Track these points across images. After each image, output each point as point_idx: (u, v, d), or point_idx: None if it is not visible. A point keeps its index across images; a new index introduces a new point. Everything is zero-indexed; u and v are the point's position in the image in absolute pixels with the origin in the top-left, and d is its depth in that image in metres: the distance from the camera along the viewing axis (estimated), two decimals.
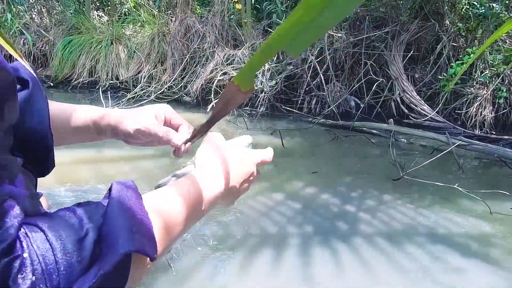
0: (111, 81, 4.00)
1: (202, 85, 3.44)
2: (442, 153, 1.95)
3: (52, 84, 4.25)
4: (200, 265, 1.09)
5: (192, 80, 3.61)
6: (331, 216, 1.42)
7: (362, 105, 3.07)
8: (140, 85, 3.69)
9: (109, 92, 3.55)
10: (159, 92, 3.59)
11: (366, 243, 1.25)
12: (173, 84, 3.69)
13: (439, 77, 3.07)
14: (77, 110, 0.67)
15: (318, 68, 3.11)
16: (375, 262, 1.15)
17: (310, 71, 3.15)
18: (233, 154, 0.55)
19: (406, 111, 3.08)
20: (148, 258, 0.37)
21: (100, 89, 3.56)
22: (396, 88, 3.13)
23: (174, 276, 1.04)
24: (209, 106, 3.11)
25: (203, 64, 3.61)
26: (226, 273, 1.07)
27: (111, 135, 0.66)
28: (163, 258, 0.56)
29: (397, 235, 1.31)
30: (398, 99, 3.12)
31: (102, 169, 1.74)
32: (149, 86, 3.70)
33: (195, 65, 3.71)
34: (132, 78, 3.94)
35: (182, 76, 3.73)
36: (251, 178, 0.56)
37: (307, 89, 3.23)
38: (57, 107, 0.66)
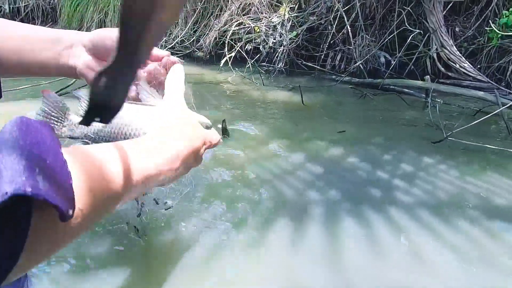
0: None
1: (215, 38, 3.16)
2: (491, 114, 1.65)
3: None
4: (200, 237, 0.89)
5: (204, 34, 3.32)
6: (360, 182, 1.19)
7: (393, 62, 2.74)
8: None
9: None
10: (169, 47, 3.33)
11: (405, 215, 1.02)
12: (185, 38, 3.42)
13: (486, 28, 2.67)
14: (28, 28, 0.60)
15: (345, 18, 2.76)
16: (418, 238, 0.93)
17: (336, 22, 2.80)
18: (187, 120, 0.49)
19: (443, 69, 2.73)
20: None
21: None
22: (434, 43, 2.76)
23: (161, 250, 0.85)
24: (222, 61, 2.85)
25: (217, 15, 3.30)
26: (232, 249, 0.86)
27: (67, 58, 0.58)
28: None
29: (442, 206, 1.07)
30: (435, 55, 2.77)
31: None
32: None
33: (208, 16, 3.41)
34: None
35: (194, 30, 3.44)
36: (209, 139, 0.50)
37: (331, 42, 2.90)
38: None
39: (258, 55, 2.93)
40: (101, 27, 4.05)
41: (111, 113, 0.35)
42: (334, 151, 1.42)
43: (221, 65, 2.84)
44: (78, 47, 0.57)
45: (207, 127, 0.52)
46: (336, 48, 2.89)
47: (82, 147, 0.36)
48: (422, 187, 1.16)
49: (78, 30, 4.34)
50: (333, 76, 2.73)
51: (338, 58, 2.91)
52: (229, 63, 2.78)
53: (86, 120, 0.34)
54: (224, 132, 1.48)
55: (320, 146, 1.47)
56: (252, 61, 2.81)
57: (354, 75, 2.73)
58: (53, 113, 0.54)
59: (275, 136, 1.52)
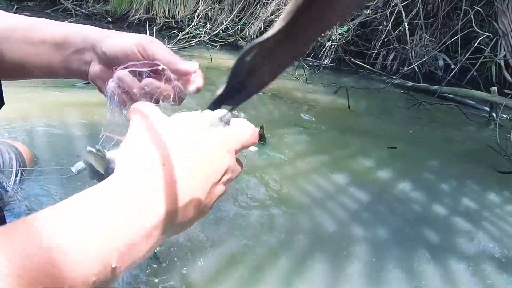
0: (166, 20, 3.74)
1: (260, 28, 3.02)
2: None
3: (110, 20, 4.07)
4: (219, 274, 0.79)
5: (249, 22, 3.19)
6: (412, 218, 1.04)
7: (453, 66, 2.48)
8: (193, 23, 3.35)
9: (164, 31, 3.28)
10: (213, 34, 3.23)
11: (465, 268, 0.86)
12: (229, 26, 3.30)
13: None
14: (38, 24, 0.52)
15: (403, 14, 2.51)
16: None
17: (393, 18, 2.56)
18: (186, 143, 0.33)
19: (510, 78, 2.43)
20: None
21: (155, 28, 3.29)
22: (502, 48, 2.46)
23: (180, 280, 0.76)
24: None
25: (264, 3, 3.15)
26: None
27: (78, 65, 0.51)
28: None
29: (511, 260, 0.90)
30: (502, 62, 2.47)
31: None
32: (203, 27, 3.35)
33: (254, 4, 3.27)
34: (188, 17, 3.64)
35: (240, 17, 3.32)
36: (228, 176, 0.37)
37: (385, 40, 2.67)
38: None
39: None
40: (148, 11, 4.04)
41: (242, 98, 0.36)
42: (383, 173, 1.27)
43: None
44: (90, 53, 0.51)
45: (226, 122, 0.38)
46: (390, 47, 2.66)
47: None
48: (487, 232, 0.99)
49: (127, 13, 4.31)
50: (383, 77, 2.52)
51: (391, 57, 2.68)
52: None
53: (218, 103, 0.36)
54: (261, 138, 1.37)
55: (367, 164, 1.32)
56: None
57: (407, 77, 2.50)
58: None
59: (316, 147, 1.39)
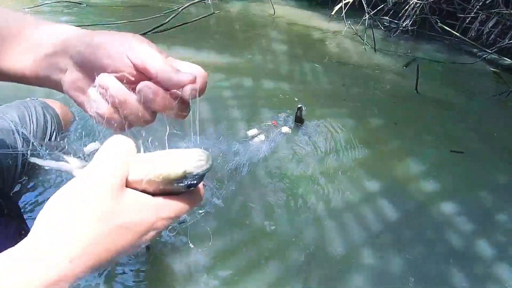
0: None
1: None
2: None
3: None
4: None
5: None
6: (446, 252, 0.86)
7: None
8: None
9: None
10: None
11: None
12: None
13: None
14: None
15: None
16: None
17: None
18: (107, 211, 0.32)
19: None
20: None
21: None
22: None
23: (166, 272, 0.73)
24: (336, 8, 2.38)
25: None
26: None
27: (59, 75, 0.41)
28: None
29: None
30: None
31: None
32: None
33: None
34: None
35: None
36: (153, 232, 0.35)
37: (486, 1, 2.16)
38: None
39: (383, 5, 2.37)
40: None
41: None
42: (432, 184, 1.06)
43: (333, 12, 2.39)
44: (64, 58, 0.41)
45: (190, 184, 0.34)
46: (493, 10, 2.15)
47: None
48: None
49: None
50: (474, 50, 2.09)
51: (491, 24, 2.18)
52: (343, 12, 2.31)
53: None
54: (298, 120, 1.23)
55: (414, 169, 1.11)
56: (372, 12, 2.30)
57: (506, 52, 2.03)
58: None
59: (360, 138, 1.20)
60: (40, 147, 0.85)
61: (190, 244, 0.76)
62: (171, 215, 0.35)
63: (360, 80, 1.63)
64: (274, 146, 1.09)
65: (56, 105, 0.99)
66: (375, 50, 1.97)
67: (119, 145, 0.35)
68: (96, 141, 0.94)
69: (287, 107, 1.30)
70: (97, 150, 0.35)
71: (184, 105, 0.38)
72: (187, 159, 0.33)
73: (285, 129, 1.19)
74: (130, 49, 0.37)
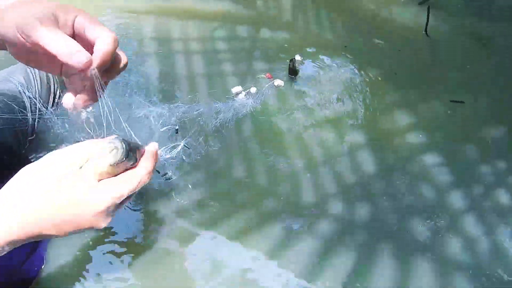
0: None
1: None
2: None
3: None
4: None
5: None
6: (421, 206, 0.91)
7: None
8: None
9: None
10: None
11: None
12: None
13: None
14: None
15: None
16: None
17: None
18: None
19: None
20: None
21: None
22: None
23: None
24: None
25: None
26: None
27: None
28: None
29: None
30: None
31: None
32: None
33: None
34: None
35: None
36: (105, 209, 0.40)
37: None
38: None
39: None
40: None
41: None
42: (421, 139, 1.07)
43: None
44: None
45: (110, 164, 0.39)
46: None
47: None
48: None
49: None
50: None
51: None
52: None
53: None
54: (292, 72, 1.23)
55: (407, 124, 1.11)
56: None
57: None
58: None
59: (353, 90, 1.20)
60: (46, 110, 0.94)
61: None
62: (117, 195, 0.39)
63: (364, 22, 1.55)
64: (262, 100, 1.12)
65: None
66: None
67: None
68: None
69: (285, 58, 1.29)
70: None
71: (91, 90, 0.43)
72: (101, 154, 0.38)
73: (278, 81, 1.21)
74: (25, 17, 0.39)
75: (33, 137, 0.96)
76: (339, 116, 1.12)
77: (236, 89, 1.13)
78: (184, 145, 0.76)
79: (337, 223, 0.86)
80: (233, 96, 1.12)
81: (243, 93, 1.13)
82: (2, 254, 0.38)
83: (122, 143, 0.39)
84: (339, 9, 1.64)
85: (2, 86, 0.88)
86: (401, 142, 1.06)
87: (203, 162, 0.93)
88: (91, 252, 0.77)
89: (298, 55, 1.30)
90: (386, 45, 1.44)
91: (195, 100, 1.08)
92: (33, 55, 0.43)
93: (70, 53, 0.39)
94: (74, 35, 0.42)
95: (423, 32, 1.49)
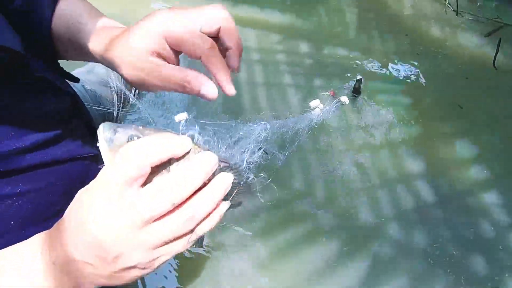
0: None
1: None
2: None
3: None
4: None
5: None
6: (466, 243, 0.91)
7: None
8: None
9: None
10: None
11: None
12: None
13: None
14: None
15: None
16: None
17: None
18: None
19: None
20: None
21: None
22: None
23: None
24: None
25: None
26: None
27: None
28: None
29: None
30: None
31: None
32: None
33: None
34: None
35: None
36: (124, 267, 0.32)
37: None
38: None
39: None
40: None
41: None
42: (481, 173, 1.07)
43: None
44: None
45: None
46: None
47: None
48: None
49: None
50: None
51: None
52: None
53: None
54: (356, 91, 1.26)
55: (467, 156, 1.11)
56: None
57: None
58: None
59: (415, 115, 1.21)
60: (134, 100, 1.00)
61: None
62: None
63: (431, 49, 1.55)
64: (330, 115, 1.16)
65: None
66: (457, 13, 1.81)
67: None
68: (185, 112, 1.08)
69: (346, 76, 1.32)
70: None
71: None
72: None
73: (344, 98, 1.23)
74: (169, 31, 0.41)
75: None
76: (398, 140, 1.14)
77: (314, 103, 1.17)
78: (264, 152, 0.80)
79: (393, 246, 0.88)
80: (310, 110, 1.16)
81: (319, 107, 1.17)
82: None
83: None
84: (404, 32, 1.65)
85: (90, 77, 0.95)
86: (460, 174, 1.07)
87: (269, 171, 0.98)
88: None
89: (358, 74, 1.32)
90: (453, 71, 1.44)
91: (274, 114, 1.12)
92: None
93: (198, 87, 0.42)
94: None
95: (492, 64, 1.47)
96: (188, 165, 0.31)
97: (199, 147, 0.34)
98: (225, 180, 0.33)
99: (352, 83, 1.28)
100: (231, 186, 0.36)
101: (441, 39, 1.63)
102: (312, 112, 1.16)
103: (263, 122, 0.94)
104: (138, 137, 0.32)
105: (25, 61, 0.40)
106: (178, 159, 0.32)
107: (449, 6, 1.88)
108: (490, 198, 1.01)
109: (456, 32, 1.69)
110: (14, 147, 0.40)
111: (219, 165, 0.34)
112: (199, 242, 0.39)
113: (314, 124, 1.13)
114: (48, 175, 0.45)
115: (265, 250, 0.85)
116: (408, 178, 1.04)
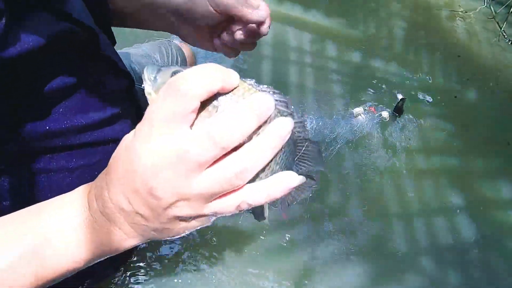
0: None
1: None
2: None
3: None
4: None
5: None
6: None
7: None
8: None
9: None
10: None
11: None
12: None
13: None
14: None
15: None
16: None
17: None
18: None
19: None
20: None
21: None
22: None
23: None
24: None
25: None
26: None
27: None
28: None
29: None
30: None
31: None
32: None
33: None
34: None
35: None
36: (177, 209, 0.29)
37: None
38: None
39: None
40: None
41: None
42: None
43: None
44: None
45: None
46: None
47: None
48: None
49: None
50: None
51: None
52: None
53: None
54: (398, 111, 1.20)
55: (509, 197, 1.05)
56: None
57: None
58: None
59: (458, 146, 1.15)
60: None
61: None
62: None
63: (479, 78, 1.48)
64: (370, 128, 1.11)
65: (186, 48, 1.06)
66: (506, 40, 1.73)
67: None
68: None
69: (390, 93, 1.27)
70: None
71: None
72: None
73: (385, 113, 1.18)
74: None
75: None
76: (438, 169, 1.08)
77: (357, 110, 1.13)
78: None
79: (424, 281, 0.83)
80: (354, 116, 1.12)
81: (362, 115, 1.13)
82: None
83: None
84: (453, 53, 1.58)
85: (145, 61, 0.91)
86: (503, 216, 1.00)
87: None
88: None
89: (400, 93, 1.26)
90: (503, 104, 1.36)
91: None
92: (200, 31, 0.53)
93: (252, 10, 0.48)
94: None
95: None
96: (242, 104, 0.27)
97: (252, 86, 0.30)
98: (284, 125, 0.27)
99: (394, 100, 1.22)
100: (296, 142, 0.31)
101: (493, 68, 1.56)
102: (354, 118, 1.13)
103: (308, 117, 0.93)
104: None
105: (95, 38, 0.43)
106: (226, 98, 0.28)
107: (504, 34, 1.79)
108: None
109: (509, 64, 1.61)
110: (80, 123, 0.43)
111: (278, 110, 0.29)
112: (260, 214, 0.35)
113: (355, 131, 1.09)
114: (97, 153, 0.48)
115: (295, 267, 0.81)
116: (448, 212, 0.98)
